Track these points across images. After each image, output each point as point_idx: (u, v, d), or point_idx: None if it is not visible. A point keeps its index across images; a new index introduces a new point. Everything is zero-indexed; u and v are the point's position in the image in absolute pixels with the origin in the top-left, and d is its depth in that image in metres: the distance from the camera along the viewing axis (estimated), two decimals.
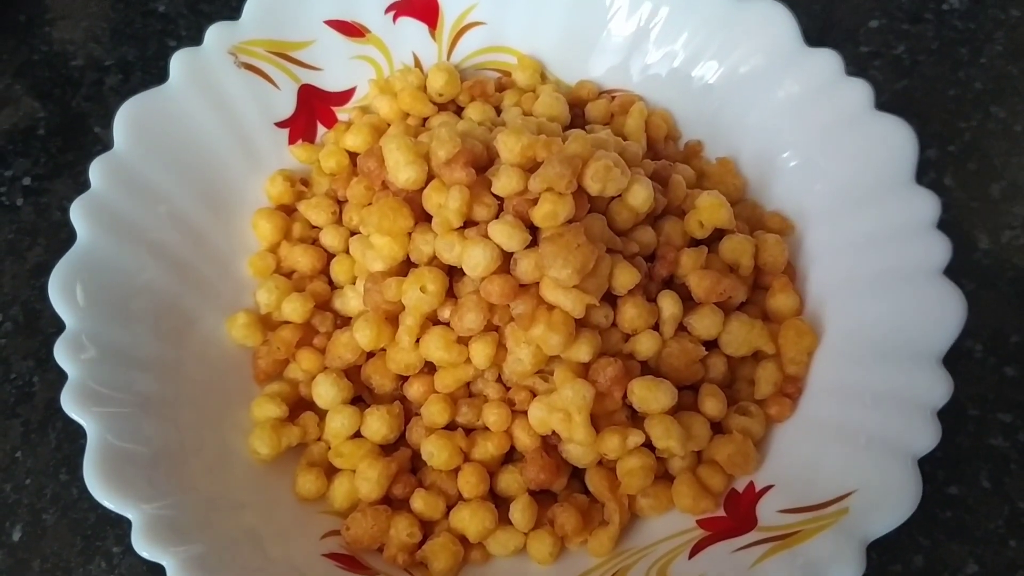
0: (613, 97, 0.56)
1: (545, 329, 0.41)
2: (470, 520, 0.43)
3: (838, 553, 0.36)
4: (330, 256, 0.51)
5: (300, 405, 0.47)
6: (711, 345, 0.46)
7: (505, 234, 0.41)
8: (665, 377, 0.43)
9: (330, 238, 0.51)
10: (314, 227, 0.52)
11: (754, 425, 0.44)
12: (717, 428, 0.45)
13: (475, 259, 0.42)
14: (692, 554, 0.41)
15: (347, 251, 0.49)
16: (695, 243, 0.47)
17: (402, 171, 0.44)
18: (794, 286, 0.48)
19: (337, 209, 0.51)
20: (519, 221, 0.42)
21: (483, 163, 0.45)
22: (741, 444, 0.43)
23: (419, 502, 0.43)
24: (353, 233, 0.50)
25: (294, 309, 0.48)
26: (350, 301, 0.49)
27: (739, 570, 0.38)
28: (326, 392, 0.46)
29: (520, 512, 0.43)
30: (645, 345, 0.44)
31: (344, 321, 0.49)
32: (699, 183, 0.52)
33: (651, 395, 0.42)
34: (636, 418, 0.44)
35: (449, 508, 0.44)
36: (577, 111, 0.55)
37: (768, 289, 0.48)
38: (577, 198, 0.42)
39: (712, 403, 0.44)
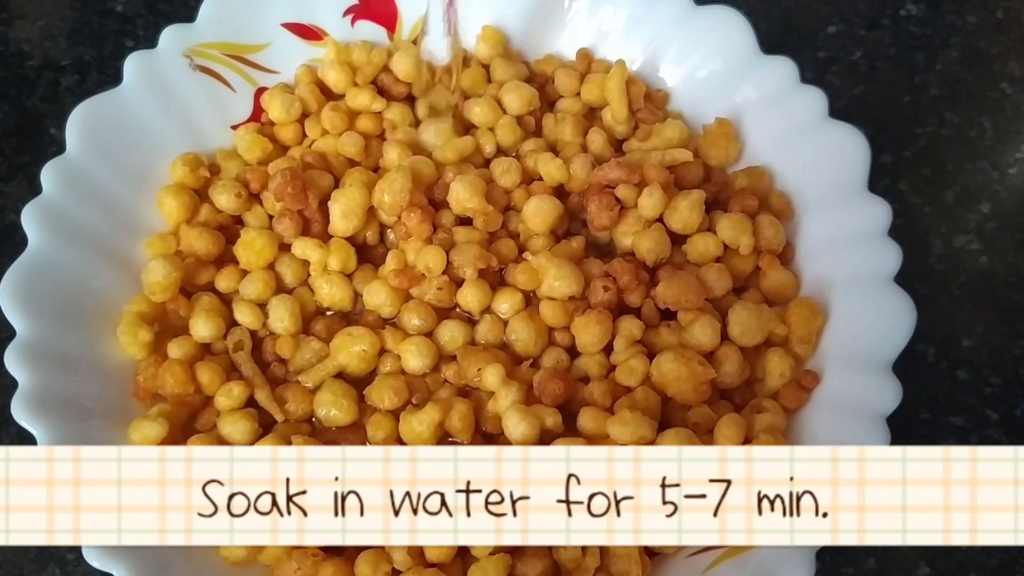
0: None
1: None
2: None
3: (789, 557, 0.36)
4: (231, 239, 0.48)
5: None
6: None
7: (410, 353, 0.44)
8: (673, 399, 0.43)
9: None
10: (220, 211, 0.49)
11: (776, 419, 0.42)
12: None
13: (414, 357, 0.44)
14: None
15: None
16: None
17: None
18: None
19: (244, 193, 0.48)
20: (429, 343, 0.44)
21: (431, 182, 0.48)
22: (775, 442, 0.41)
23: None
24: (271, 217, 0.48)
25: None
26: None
27: None
28: (235, 431, 0.43)
29: None
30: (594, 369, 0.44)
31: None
32: (693, 144, 0.51)
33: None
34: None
35: None
36: (540, 82, 0.54)
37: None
38: None
39: (728, 433, 0.41)
